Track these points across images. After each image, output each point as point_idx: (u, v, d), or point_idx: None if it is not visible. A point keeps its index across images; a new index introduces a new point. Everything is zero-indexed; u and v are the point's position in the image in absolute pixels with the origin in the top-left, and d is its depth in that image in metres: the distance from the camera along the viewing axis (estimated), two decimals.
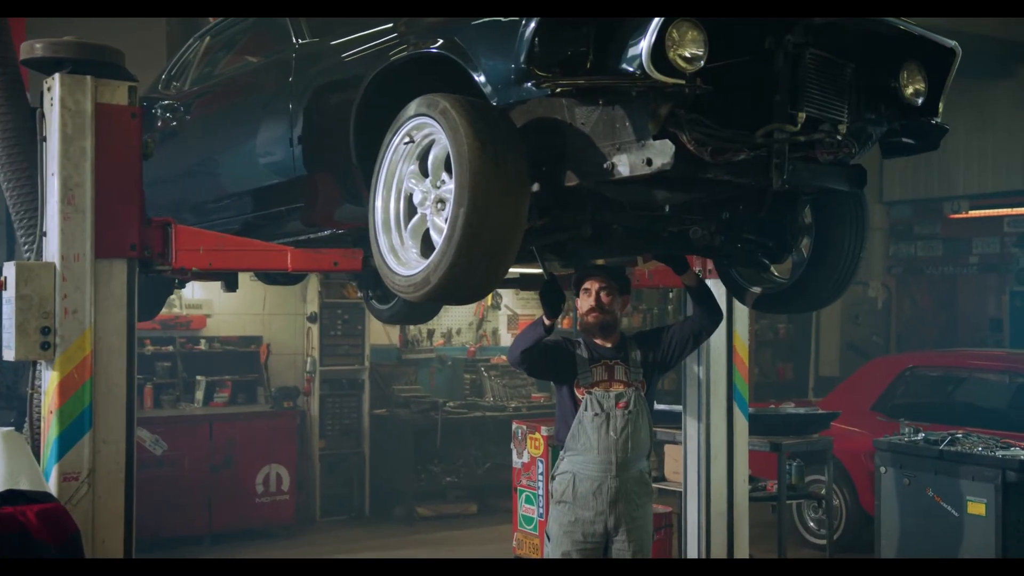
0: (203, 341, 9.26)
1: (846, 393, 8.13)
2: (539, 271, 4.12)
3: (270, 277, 5.74)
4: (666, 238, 3.88)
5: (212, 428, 8.62)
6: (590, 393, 4.32)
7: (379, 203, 3.44)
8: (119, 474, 3.80)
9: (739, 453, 5.68)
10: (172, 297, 9.06)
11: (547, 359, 4.37)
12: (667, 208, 3.52)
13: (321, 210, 4.12)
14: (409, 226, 3.38)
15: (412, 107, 3.28)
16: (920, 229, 12.99)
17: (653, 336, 4.56)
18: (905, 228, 13.03)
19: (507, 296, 10.80)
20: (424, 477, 9.55)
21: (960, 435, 5.53)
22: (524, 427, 7.23)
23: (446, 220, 3.10)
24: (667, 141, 2.92)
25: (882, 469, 5.54)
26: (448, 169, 3.13)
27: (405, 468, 9.46)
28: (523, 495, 7.14)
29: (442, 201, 3.24)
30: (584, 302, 4.44)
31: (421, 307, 6.16)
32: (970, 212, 12.40)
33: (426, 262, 3.19)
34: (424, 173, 3.33)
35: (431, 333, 10.56)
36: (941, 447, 5.31)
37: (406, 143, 3.35)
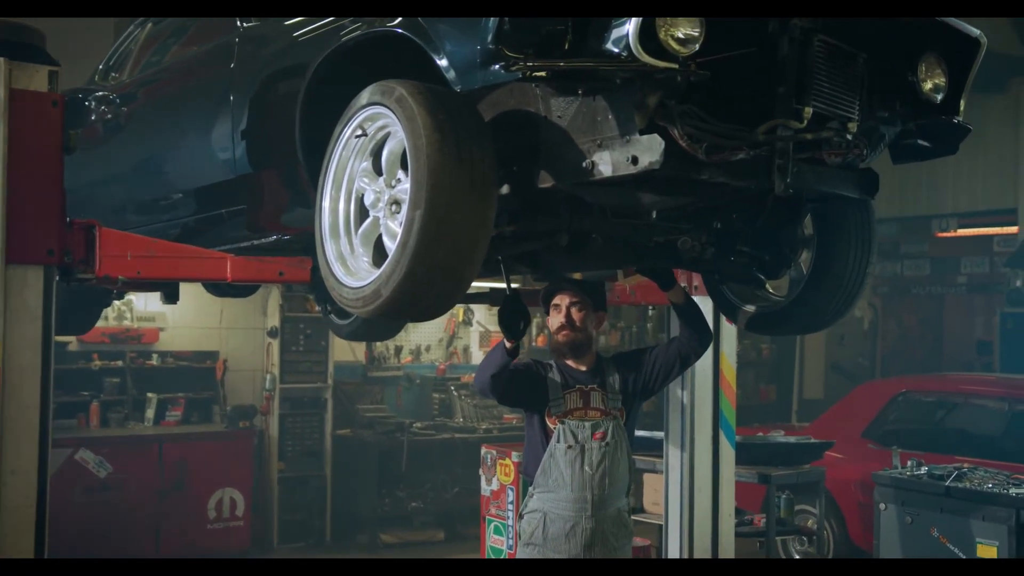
0: (155, 356, 8.87)
1: (835, 418, 7.79)
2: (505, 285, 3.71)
3: (219, 288, 5.33)
4: (651, 249, 3.49)
5: (162, 449, 8.20)
6: (563, 423, 3.92)
7: (327, 204, 3.07)
8: (29, 511, 3.37)
9: (725, 485, 5.30)
10: (123, 308, 8.69)
11: (517, 385, 3.97)
12: (654, 215, 3.13)
13: (266, 213, 3.73)
14: (360, 231, 3.01)
15: (365, 95, 2.93)
16: (907, 247, 12.76)
17: (634, 358, 4.16)
18: (891, 246, 12.77)
19: (479, 312, 10.45)
20: (389, 502, 9.21)
21: (966, 468, 5.15)
22: (493, 452, 6.84)
23: (401, 224, 2.73)
24: (656, 136, 2.57)
25: (881, 506, 5.15)
26: (404, 166, 2.77)
27: (369, 492, 9.14)
28: (492, 525, 6.77)
29: (397, 203, 2.88)
30: (554, 319, 4.05)
31: (383, 323, 5.78)
32: (958, 231, 12.18)
33: (378, 272, 2.81)
34: (378, 171, 2.98)
35: (399, 350, 10.21)
36: (948, 483, 4.92)
37: (358, 136, 3.00)
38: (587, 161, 2.73)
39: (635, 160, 2.61)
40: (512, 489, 6.61)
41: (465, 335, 10.58)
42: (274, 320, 9.20)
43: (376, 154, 2.99)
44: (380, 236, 2.94)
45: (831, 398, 12.19)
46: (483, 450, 6.97)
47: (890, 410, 7.43)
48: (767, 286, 3.81)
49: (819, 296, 3.58)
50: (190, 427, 8.58)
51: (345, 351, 9.74)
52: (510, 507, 6.61)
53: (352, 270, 3.01)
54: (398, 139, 2.85)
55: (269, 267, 3.81)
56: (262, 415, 9.01)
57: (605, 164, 2.69)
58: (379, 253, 2.95)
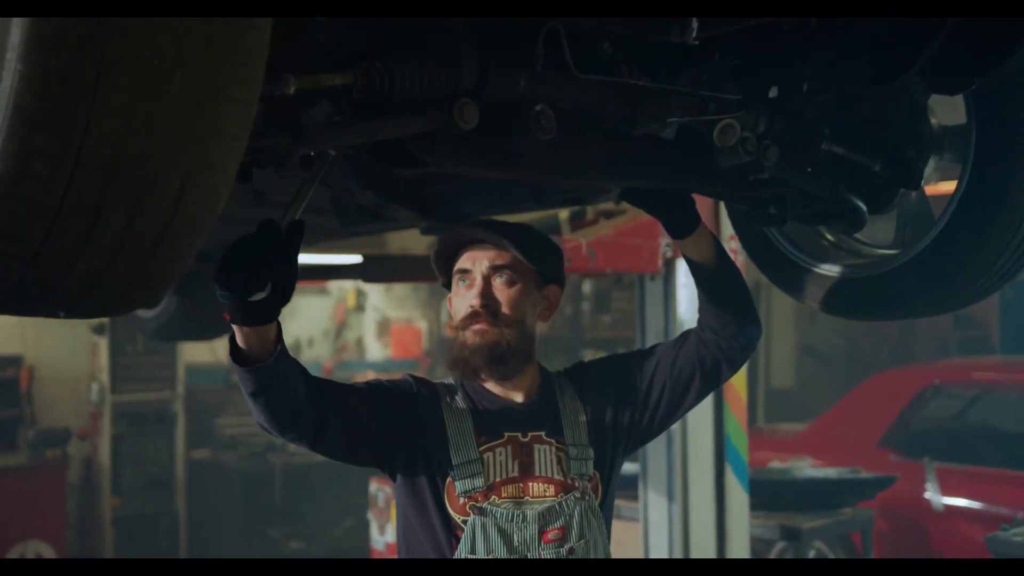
0: None
1: (839, 421, 6.23)
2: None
3: None
4: (656, 146, 1.75)
5: None
6: (480, 509, 2.00)
7: None
8: None
9: (736, 545, 3.63)
10: None
11: (365, 427, 2.01)
12: (695, 39, 1.36)
13: None
14: None
15: None
16: None
17: (613, 371, 2.17)
18: None
19: (374, 293, 9.16)
20: (259, 542, 7.84)
21: None
22: (387, 489, 5.19)
23: None
24: None
25: None
26: None
27: (234, 531, 7.84)
28: None
29: None
30: (459, 299, 2.09)
31: (206, 315, 4.06)
32: (940, 183, 10.83)
33: None
34: None
35: None
36: None
37: None
38: None
39: None
40: None
41: (358, 324, 9.34)
42: None
43: None
44: None
45: (802, 387, 10.84)
46: (372, 486, 5.31)
47: (915, 409, 5.88)
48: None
49: (973, 246, 1.91)
50: None
51: (201, 350, 8.16)
52: None
53: None
54: None
55: None
56: (79, 438, 7.34)
57: None
58: None
